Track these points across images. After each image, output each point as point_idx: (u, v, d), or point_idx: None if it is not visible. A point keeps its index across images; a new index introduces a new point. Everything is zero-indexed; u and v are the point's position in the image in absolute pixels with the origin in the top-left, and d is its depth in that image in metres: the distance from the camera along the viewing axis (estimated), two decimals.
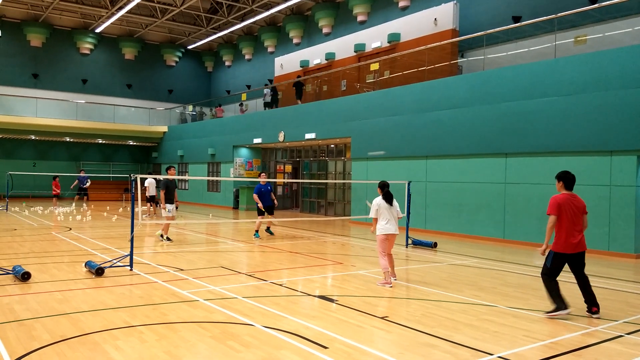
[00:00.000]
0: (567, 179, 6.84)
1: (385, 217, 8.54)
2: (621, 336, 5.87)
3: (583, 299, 6.82)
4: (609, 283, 9.06)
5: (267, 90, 26.43)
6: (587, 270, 10.20)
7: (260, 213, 14.58)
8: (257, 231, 14.64)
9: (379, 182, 9.03)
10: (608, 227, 12.25)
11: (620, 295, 8.10)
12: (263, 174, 14.88)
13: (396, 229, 8.61)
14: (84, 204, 26.05)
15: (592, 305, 6.70)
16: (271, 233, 15.15)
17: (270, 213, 14.78)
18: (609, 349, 5.40)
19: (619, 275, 9.81)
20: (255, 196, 14.36)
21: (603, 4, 14.87)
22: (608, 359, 5.10)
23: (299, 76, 25.20)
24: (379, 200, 8.66)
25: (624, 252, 11.97)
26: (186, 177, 17.07)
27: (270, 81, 30.10)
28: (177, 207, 13.90)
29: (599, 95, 12.38)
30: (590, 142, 12.53)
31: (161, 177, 13.96)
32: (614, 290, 8.51)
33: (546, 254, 6.75)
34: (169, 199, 13.42)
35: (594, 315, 6.66)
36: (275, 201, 15.05)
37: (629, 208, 11.92)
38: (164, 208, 13.47)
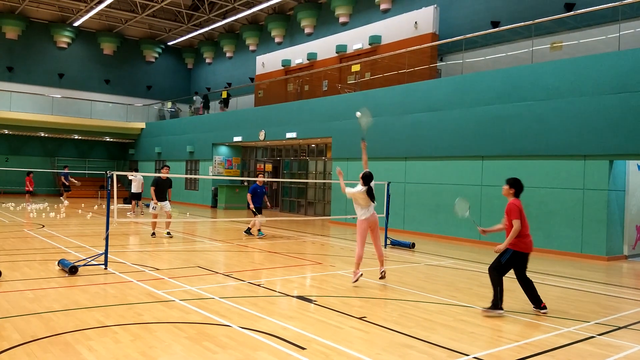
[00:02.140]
0: (519, 187, 7.18)
1: (362, 206, 8.48)
2: (593, 337, 5.98)
3: (529, 299, 7.04)
4: (582, 285, 9.22)
5: (196, 98, 30.61)
6: (560, 272, 10.41)
7: (255, 212, 14.60)
8: (259, 230, 14.71)
9: (364, 172, 8.61)
10: (581, 229, 12.47)
11: (592, 297, 8.26)
12: (260, 174, 15.38)
13: (375, 214, 8.55)
14: (64, 200, 25.94)
15: (540, 302, 6.97)
16: (249, 233, 14.92)
17: (260, 212, 14.73)
18: (581, 350, 5.49)
19: (591, 277, 10.00)
20: (248, 195, 14.48)
21: (578, 11, 15.16)
22: (580, 359, 5.20)
23: (226, 86, 25.79)
24: (360, 188, 8.43)
25: (596, 255, 12.21)
26: (163, 175, 16.89)
27: (252, 79, 29.98)
28: (154, 206, 13.89)
29: (574, 100, 12.61)
30: (564, 146, 12.75)
31: (153, 174, 13.91)
32: (586, 292, 8.66)
33: (500, 251, 6.93)
34: (158, 197, 13.73)
35: (543, 311, 6.92)
36: (268, 203, 15.19)
37: (601, 212, 12.16)
38: (156, 204, 13.84)
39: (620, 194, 12.61)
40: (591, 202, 12.32)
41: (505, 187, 7.24)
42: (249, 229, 15.00)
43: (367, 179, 8.53)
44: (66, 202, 24.92)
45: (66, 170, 25.65)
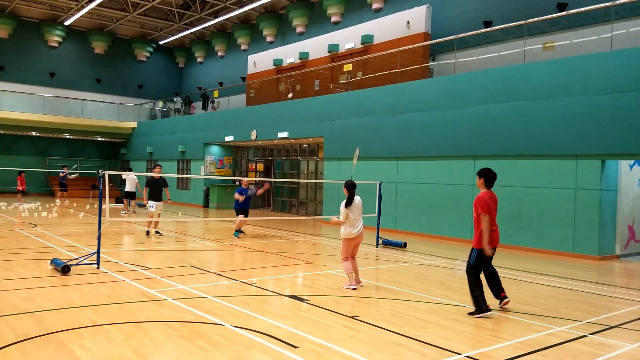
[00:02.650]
0: (489, 177, 6.95)
1: (353, 219, 8.16)
2: (585, 336, 6.02)
3: (490, 289, 7.07)
4: (574, 284, 9.28)
5: (177, 99, 31.70)
6: (552, 271, 10.48)
7: (238, 214, 14.49)
8: (237, 230, 14.52)
9: (345, 181, 8.38)
10: (573, 229, 12.56)
11: (584, 297, 8.32)
12: (245, 180, 15.28)
13: (362, 231, 8.24)
14: (58, 199, 26.15)
15: (501, 291, 7.01)
16: (238, 234, 14.55)
17: (246, 215, 14.67)
18: (573, 349, 5.53)
19: (583, 277, 10.07)
20: (238, 195, 14.41)
21: (571, 11, 15.25)
22: (572, 358, 5.23)
23: (205, 89, 26.38)
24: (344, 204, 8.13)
25: (587, 254, 12.29)
26: (155, 174, 16.84)
27: (243, 79, 29.93)
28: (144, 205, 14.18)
29: (566, 100, 12.69)
30: (556, 146, 12.83)
31: (146, 174, 14.00)
32: (578, 291, 8.73)
33: (490, 251, 6.77)
34: (152, 197, 13.96)
35: (505, 300, 6.98)
36: (259, 190, 15.31)
37: (593, 211, 12.24)
38: (146, 204, 14.11)
39: (612, 193, 12.70)
40: (583, 202, 12.40)
41: (477, 178, 7.07)
42: (240, 230, 14.80)
43: (350, 187, 8.24)
44: (58, 201, 24.90)
45: (65, 170, 25.76)
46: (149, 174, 14.03)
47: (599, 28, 14.58)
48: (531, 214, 13.26)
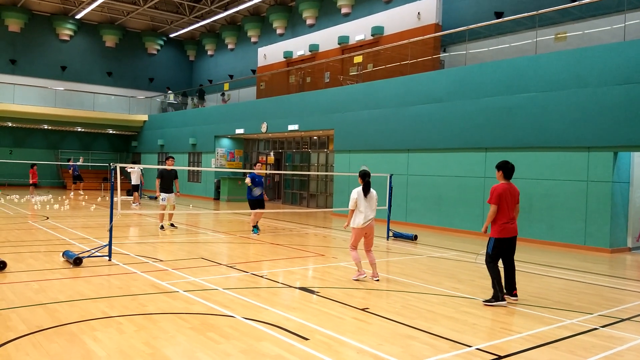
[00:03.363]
0: (506, 169, 7.17)
1: (363, 209, 8.13)
2: (596, 329, 5.99)
3: (505, 282, 7.16)
4: (585, 277, 9.22)
5: (170, 92, 32.35)
6: (564, 264, 10.41)
7: (255, 205, 13.31)
8: (254, 227, 13.47)
9: (360, 170, 8.36)
10: (584, 222, 12.46)
11: (595, 289, 8.26)
12: (259, 164, 13.73)
13: (373, 221, 8.22)
14: (80, 191, 26.49)
15: (513, 289, 7.13)
16: (257, 231, 13.55)
17: (262, 207, 13.44)
18: (584, 342, 5.50)
19: (595, 270, 10.00)
20: (248, 179, 13.24)
21: (583, 2, 15.06)
22: (583, 351, 5.20)
23: (200, 85, 28.35)
24: (359, 190, 8.19)
25: (599, 247, 12.20)
26: (167, 167, 16.93)
27: (254, 71, 29.93)
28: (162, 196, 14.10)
29: (578, 91, 12.55)
30: (568, 138, 12.71)
31: (158, 167, 13.96)
32: (589, 284, 8.67)
33: (487, 232, 7.16)
34: (164, 188, 13.91)
35: (513, 298, 7.08)
36: (266, 197, 13.70)
37: (604, 204, 12.13)
38: (158, 196, 14.05)
39: (624, 186, 12.57)
40: (595, 194, 12.29)
41: (496, 171, 7.30)
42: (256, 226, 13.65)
43: (364, 176, 8.25)
44: (72, 194, 25.25)
45: (71, 162, 26.12)
46: (160, 167, 14.05)
47: (612, 18, 14.39)
48: (542, 207, 13.17)
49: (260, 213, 13.63)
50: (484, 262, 7.13)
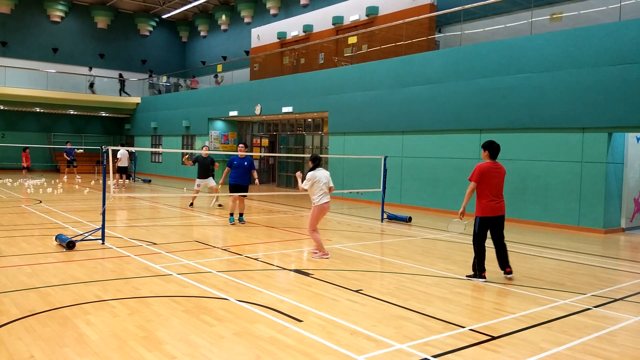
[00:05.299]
0: (492, 149, 7.30)
1: (320, 190, 8.50)
2: (589, 309, 6.01)
3: (498, 260, 7.33)
4: (578, 257, 9.26)
5: (91, 72, 31.69)
6: (557, 244, 10.45)
7: (232, 190, 12.05)
8: (231, 214, 12.26)
9: (311, 155, 8.85)
10: (578, 202, 12.49)
11: (589, 269, 8.30)
12: (241, 145, 12.49)
13: (329, 200, 8.59)
14: (77, 175, 26.37)
15: (506, 266, 7.24)
16: (242, 221, 12.41)
17: (242, 192, 12.03)
18: (577, 322, 5.53)
19: (588, 250, 10.04)
20: (227, 169, 12.24)
21: None
22: (576, 331, 5.22)
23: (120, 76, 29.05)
24: (315, 173, 8.53)
25: (593, 228, 12.25)
26: (160, 150, 16.87)
27: (247, 53, 29.65)
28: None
29: (573, 72, 12.50)
30: (563, 118, 12.68)
31: (150, 149, 13.70)
32: (582, 264, 8.71)
33: (464, 217, 7.40)
34: (200, 175, 14.99)
35: (508, 275, 7.21)
36: (257, 180, 12.58)
37: (599, 184, 12.15)
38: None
39: (618, 166, 12.59)
40: (589, 175, 12.30)
41: (482, 151, 7.42)
42: (241, 215, 12.47)
43: (315, 159, 8.72)
44: (66, 178, 25.13)
45: (69, 146, 26.00)
46: (197, 152, 15.03)
47: None
48: (537, 187, 13.19)
49: (242, 201, 12.32)
50: (457, 232, 7.37)
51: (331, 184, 8.66)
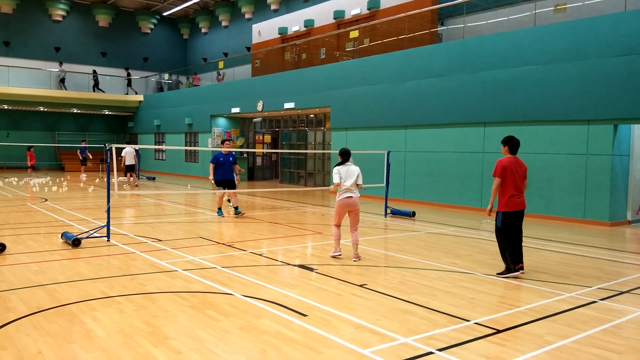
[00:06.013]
0: (512, 144, 7.23)
1: (342, 185, 8.03)
2: (595, 302, 6.00)
3: (510, 255, 7.19)
4: (584, 250, 9.24)
5: (62, 68, 30.64)
6: (563, 237, 10.43)
7: (218, 185, 12.59)
8: (219, 209, 12.87)
9: (340, 149, 8.28)
10: (584, 195, 12.45)
11: (595, 262, 8.28)
12: (227, 141, 12.88)
13: (357, 196, 8.11)
14: (84, 173, 26.66)
15: (519, 262, 7.13)
16: (237, 212, 12.88)
17: (231, 188, 12.63)
18: (583, 315, 5.52)
19: (594, 243, 10.02)
20: (211, 166, 12.55)
21: None
22: (582, 324, 5.21)
23: (127, 70, 30.04)
24: (340, 168, 8.11)
25: (598, 220, 12.21)
26: (163, 147, 16.87)
27: (248, 49, 29.62)
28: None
29: (577, 64, 12.43)
30: (568, 111, 12.62)
31: (153, 147, 13.53)
32: (588, 257, 8.69)
33: (492, 214, 7.26)
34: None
35: (520, 272, 7.09)
36: (237, 178, 12.95)
37: (604, 177, 12.10)
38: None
39: (624, 158, 12.54)
40: (595, 168, 12.25)
41: (502, 147, 7.33)
42: (236, 208, 12.99)
43: (344, 154, 8.17)
44: (84, 176, 25.32)
45: (84, 144, 26.17)
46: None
47: None
48: (542, 180, 13.14)
49: (233, 193, 12.81)
50: (489, 231, 7.25)
51: (359, 181, 8.10)
